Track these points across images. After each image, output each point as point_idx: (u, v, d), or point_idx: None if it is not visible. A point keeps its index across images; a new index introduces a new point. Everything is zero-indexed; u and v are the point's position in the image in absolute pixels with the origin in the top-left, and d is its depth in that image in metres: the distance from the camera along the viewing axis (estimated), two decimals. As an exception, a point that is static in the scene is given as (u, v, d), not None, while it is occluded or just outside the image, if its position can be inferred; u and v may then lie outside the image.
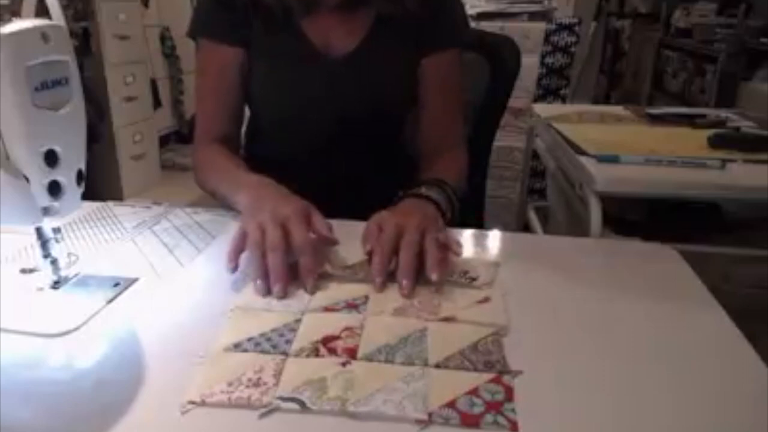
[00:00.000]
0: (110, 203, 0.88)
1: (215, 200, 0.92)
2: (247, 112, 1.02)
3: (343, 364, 0.50)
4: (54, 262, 0.61)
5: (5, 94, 0.50)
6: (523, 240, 0.87)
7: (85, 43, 2.42)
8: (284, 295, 0.61)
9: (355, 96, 0.93)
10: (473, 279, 0.65)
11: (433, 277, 0.62)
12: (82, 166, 0.59)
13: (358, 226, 0.73)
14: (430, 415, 0.44)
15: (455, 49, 0.97)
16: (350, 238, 0.74)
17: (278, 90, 0.94)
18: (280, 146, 1.00)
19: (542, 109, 1.69)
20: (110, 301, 0.60)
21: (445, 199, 0.80)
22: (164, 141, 3.14)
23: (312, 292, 0.62)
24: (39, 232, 0.59)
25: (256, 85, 0.94)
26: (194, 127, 0.98)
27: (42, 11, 0.55)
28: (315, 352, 0.52)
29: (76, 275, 0.64)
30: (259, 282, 0.62)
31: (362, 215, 0.75)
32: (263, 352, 0.52)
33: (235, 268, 0.64)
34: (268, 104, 0.97)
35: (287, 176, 0.78)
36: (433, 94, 0.97)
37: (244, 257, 0.65)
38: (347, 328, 0.55)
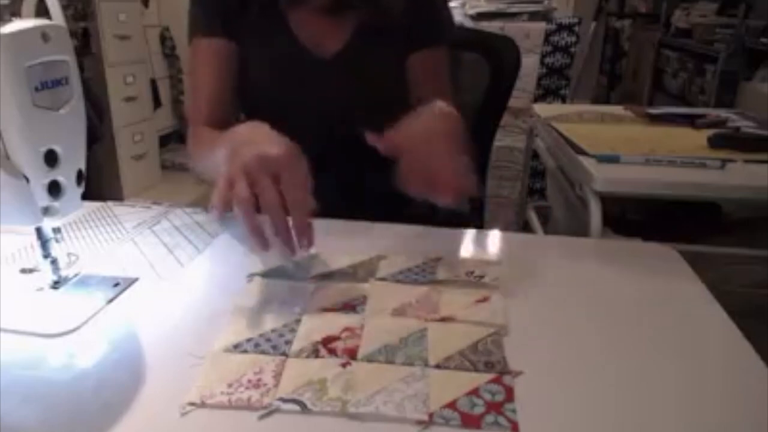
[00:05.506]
0: (110, 203, 0.87)
1: (207, 180, 0.88)
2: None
3: (344, 365, 0.50)
4: (54, 262, 0.61)
5: (5, 94, 0.50)
6: (523, 240, 0.87)
7: (85, 43, 2.42)
8: (295, 254, 0.59)
9: (343, 95, 0.93)
10: (480, 277, 0.66)
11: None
12: (82, 166, 0.59)
13: (351, 226, 0.73)
14: (430, 415, 0.44)
15: (443, 46, 0.98)
16: (346, 237, 0.74)
17: (268, 88, 0.94)
18: None
19: (542, 109, 1.69)
20: (110, 301, 0.60)
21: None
22: (164, 141, 3.14)
23: (307, 249, 0.59)
24: (39, 232, 0.59)
25: (246, 83, 0.94)
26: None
27: (42, 11, 0.55)
28: (315, 353, 0.52)
29: (76, 275, 0.64)
30: (255, 240, 0.57)
31: (355, 215, 0.75)
32: (263, 352, 0.52)
33: (219, 216, 0.60)
34: (258, 102, 0.97)
35: None
36: (424, 88, 0.97)
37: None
38: (347, 329, 0.55)
